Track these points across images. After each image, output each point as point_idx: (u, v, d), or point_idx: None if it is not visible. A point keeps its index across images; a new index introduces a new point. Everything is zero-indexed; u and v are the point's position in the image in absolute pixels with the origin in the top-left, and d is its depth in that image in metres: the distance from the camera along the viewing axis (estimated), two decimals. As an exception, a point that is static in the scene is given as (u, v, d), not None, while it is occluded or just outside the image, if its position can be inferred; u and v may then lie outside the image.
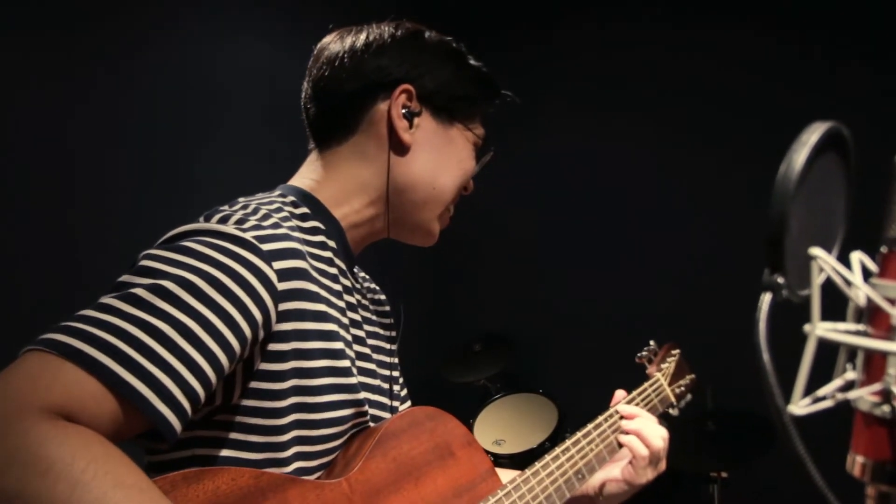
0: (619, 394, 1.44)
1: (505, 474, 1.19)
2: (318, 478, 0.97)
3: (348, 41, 1.12)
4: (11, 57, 2.18)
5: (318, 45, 1.15)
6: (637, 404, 1.42)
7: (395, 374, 1.22)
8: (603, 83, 3.71)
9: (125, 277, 0.84)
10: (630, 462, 1.33)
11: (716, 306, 3.19)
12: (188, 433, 0.90)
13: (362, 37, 1.11)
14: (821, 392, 0.52)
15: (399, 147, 1.10)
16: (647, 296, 3.48)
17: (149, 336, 0.78)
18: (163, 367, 0.78)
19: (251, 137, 2.96)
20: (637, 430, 1.33)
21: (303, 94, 1.15)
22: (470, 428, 3.02)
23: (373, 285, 1.29)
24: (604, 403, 1.43)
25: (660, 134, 3.52)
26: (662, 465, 1.34)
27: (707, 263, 3.32)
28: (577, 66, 3.78)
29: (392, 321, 1.27)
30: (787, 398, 0.49)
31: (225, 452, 0.91)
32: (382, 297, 1.29)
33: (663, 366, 1.58)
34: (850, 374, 0.53)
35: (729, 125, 3.30)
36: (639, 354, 1.56)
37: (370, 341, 1.13)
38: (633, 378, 1.49)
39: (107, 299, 0.80)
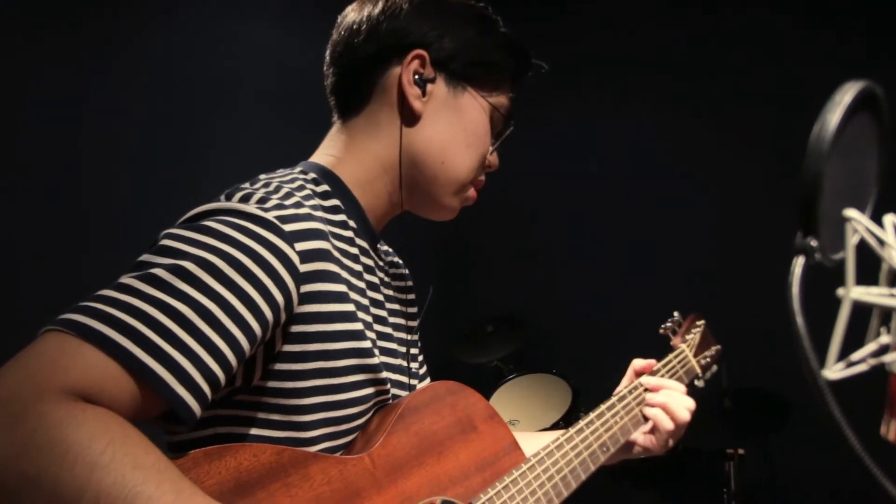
0: (637, 362, 1.42)
1: (533, 441, 1.18)
2: (341, 454, 0.97)
3: (367, 8, 1.09)
4: (19, 42, 2.18)
5: (341, 15, 1.13)
6: (662, 376, 1.40)
7: (415, 352, 1.20)
8: (625, 65, 3.67)
9: (145, 257, 0.83)
10: (652, 432, 1.32)
11: (732, 284, 3.18)
12: (208, 412, 0.89)
13: (381, 3, 1.08)
14: (855, 356, 0.52)
15: (411, 116, 1.07)
16: (660, 274, 3.46)
17: (168, 318, 0.77)
18: (182, 350, 0.77)
19: (261, 121, 2.95)
20: (663, 403, 1.31)
21: (324, 65, 1.13)
22: (484, 408, 3.02)
23: (396, 259, 1.26)
24: (618, 382, 1.42)
25: (673, 115, 3.50)
26: (681, 433, 1.33)
27: (723, 241, 3.30)
28: (595, 46, 3.74)
29: (414, 297, 1.25)
30: (820, 364, 0.49)
31: (246, 431, 0.90)
32: (405, 271, 1.26)
33: (688, 337, 1.55)
34: (885, 338, 0.53)
35: (747, 108, 3.27)
36: (663, 325, 1.53)
37: (392, 320, 1.11)
38: (648, 356, 1.47)
39: (126, 279, 0.79)
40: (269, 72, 3.01)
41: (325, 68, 1.13)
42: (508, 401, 3.11)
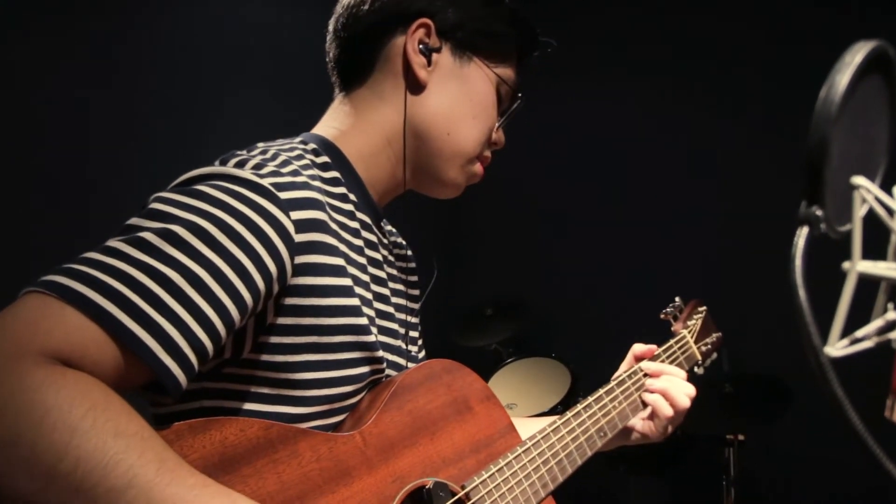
0: (638, 347, 1.40)
1: (528, 425, 1.17)
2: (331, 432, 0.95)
3: None
4: (15, 21, 2.17)
5: None
6: (662, 362, 1.38)
7: (414, 335, 1.18)
8: (625, 45, 3.63)
9: (134, 220, 0.80)
10: (651, 418, 1.30)
11: (734, 268, 3.16)
12: (196, 384, 0.87)
13: None
14: (859, 333, 0.49)
15: (416, 86, 1.05)
16: (660, 259, 3.44)
17: (156, 283, 0.74)
18: (168, 316, 0.74)
19: (260, 99, 2.93)
20: (663, 389, 1.28)
21: (327, 37, 1.11)
22: (483, 391, 3.01)
23: (400, 240, 1.23)
24: (617, 367, 1.40)
25: (676, 99, 3.47)
26: (680, 419, 1.31)
27: (723, 227, 3.28)
28: (602, 23, 3.70)
29: (416, 279, 1.22)
30: (823, 341, 0.46)
31: (234, 405, 0.88)
32: (409, 252, 1.23)
33: (689, 323, 1.52)
34: (892, 315, 0.50)
35: (751, 93, 3.23)
36: (664, 311, 1.50)
37: (394, 300, 1.09)
38: (647, 341, 1.45)
39: (113, 242, 0.76)
40: (267, 50, 2.99)
41: (328, 40, 1.11)
42: (507, 384, 3.10)
